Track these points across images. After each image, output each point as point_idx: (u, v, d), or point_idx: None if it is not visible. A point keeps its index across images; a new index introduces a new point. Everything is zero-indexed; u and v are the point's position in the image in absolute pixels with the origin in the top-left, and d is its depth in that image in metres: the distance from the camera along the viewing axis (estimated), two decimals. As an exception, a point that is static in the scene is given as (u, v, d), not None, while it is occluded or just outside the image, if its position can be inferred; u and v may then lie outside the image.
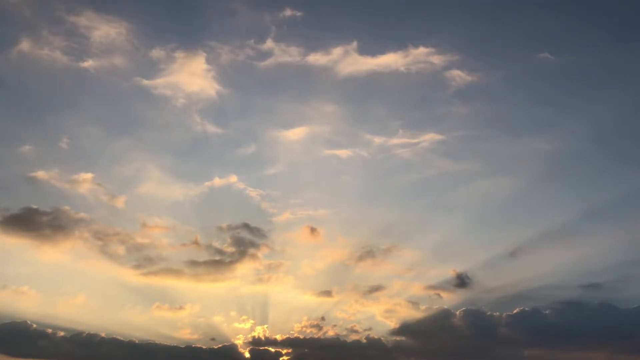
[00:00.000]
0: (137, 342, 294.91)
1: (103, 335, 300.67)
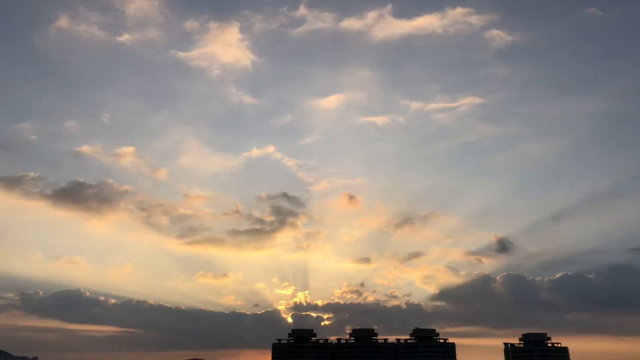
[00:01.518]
0: (183, 308, 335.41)
1: (151, 302, 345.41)
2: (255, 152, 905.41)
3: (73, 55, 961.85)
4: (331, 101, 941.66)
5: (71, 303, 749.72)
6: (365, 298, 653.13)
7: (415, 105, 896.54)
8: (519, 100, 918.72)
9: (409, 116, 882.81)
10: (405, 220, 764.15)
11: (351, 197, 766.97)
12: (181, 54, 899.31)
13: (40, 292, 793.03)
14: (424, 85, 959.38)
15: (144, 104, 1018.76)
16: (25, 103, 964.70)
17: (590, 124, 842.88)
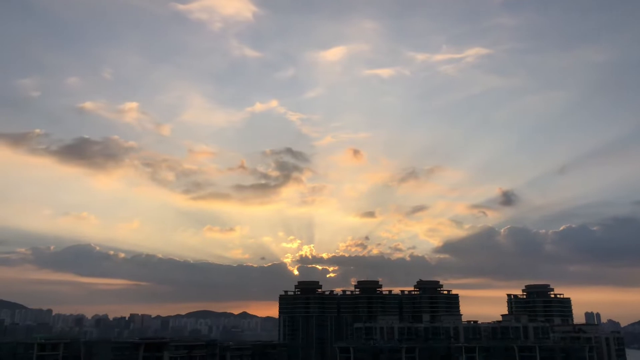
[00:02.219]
0: (191, 262, 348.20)
1: (160, 256, 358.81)
2: (259, 106, 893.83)
3: (73, 10, 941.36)
4: (335, 53, 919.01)
5: (82, 257, 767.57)
6: (370, 251, 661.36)
7: (420, 56, 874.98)
8: (526, 51, 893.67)
9: (415, 68, 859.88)
10: (410, 174, 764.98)
11: (356, 152, 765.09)
12: (181, 7, 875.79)
13: (52, 247, 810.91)
14: (429, 36, 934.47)
15: (146, 59, 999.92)
16: (27, 59, 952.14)
17: (598, 75, 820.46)
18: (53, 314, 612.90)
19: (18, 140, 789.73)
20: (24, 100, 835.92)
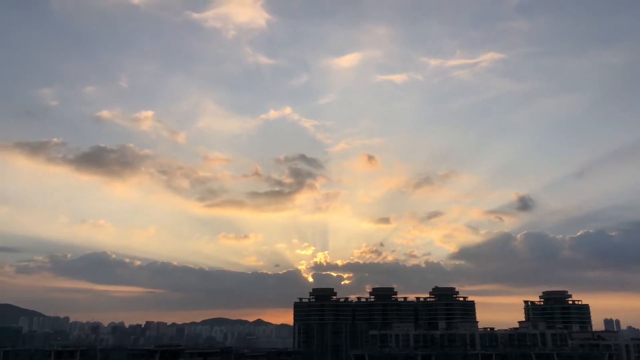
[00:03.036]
0: (207, 269, 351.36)
1: (175, 263, 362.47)
2: (273, 113, 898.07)
3: (90, 19, 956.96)
4: (348, 60, 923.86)
5: (98, 265, 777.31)
6: (385, 257, 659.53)
7: (434, 62, 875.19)
8: (541, 54, 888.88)
9: (428, 73, 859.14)
10: (424, 180, 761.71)
11: (370, 158, 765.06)
12: (196, 15, 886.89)
13: (69, 255, 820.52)
14: (442, 41, 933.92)
15: (161, 67, 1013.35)
16: (45, 68, 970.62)
17: (614, 77, 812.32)
18: (70, 321, 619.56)
19: (36, 149, 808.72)
20: (42, 109, 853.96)
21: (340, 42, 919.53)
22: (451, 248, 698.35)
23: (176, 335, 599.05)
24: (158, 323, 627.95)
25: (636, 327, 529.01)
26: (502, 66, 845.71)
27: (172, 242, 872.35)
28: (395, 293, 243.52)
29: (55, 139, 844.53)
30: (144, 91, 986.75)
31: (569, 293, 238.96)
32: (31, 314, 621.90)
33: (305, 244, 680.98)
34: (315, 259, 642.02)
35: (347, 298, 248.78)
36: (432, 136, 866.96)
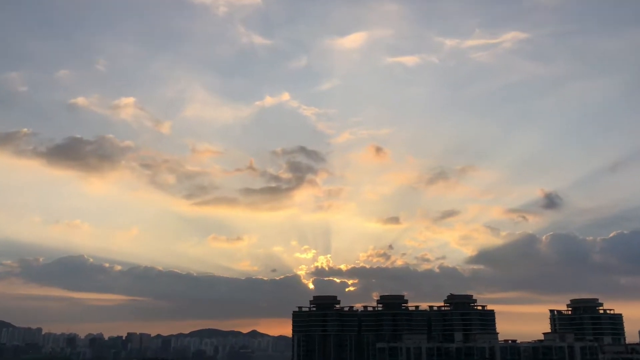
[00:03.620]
0: (195, 274, 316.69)
1: (160, 268, 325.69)
2: (269, 100, 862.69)
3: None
4: (353, 40, 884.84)
5: (74, 270, 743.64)
6: (394, 262, 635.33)
7: (450, 42, 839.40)
8: (570, 33, 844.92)
9: (443, 55, 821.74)
10: (439, 175, 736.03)
11: (377, 150, 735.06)
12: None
13: (41, 259, 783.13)
14: (460, 19, 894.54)
15: (143, 48, 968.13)
16: (13, 50, 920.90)
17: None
18: (43, 333, 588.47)
19: (3, 140, 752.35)
20: (9, 96, 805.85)
21: (344, 20, 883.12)
22: (468, 251, 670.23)
23: (161, 348, 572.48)
24: (141, 335, 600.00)
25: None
26: (527, 47, 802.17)
27: (157, 244, 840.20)
28: (406, 301, 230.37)
29: (24, 129, 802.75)
30: (124, 75, 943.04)
31: (600, 301, 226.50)
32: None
33: (305, 247, 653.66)
34: (316, 263, 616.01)
35: (352, 307, 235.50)
36: (447, 126, 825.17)
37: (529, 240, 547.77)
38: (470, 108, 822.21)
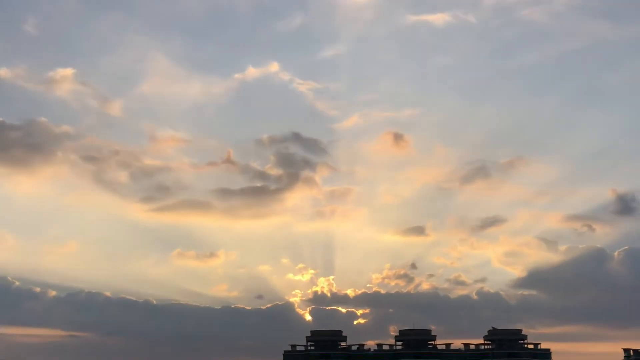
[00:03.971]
0: (155, 302, 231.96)
1: (108, 294, 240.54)
2: (252, 72, 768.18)
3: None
4: None
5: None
6: (418, 285, 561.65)
7: None
8: None
9: (483, 13, 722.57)
10: (478, 171, 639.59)
11: (396, 138, 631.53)
12: None
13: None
14: None
15: (86, 5, 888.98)
16: None
17: None
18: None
19: None
20: None
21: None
22: (516, 271, 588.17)
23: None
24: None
25: None
26: (594, 2, 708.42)
27: (104, 262, 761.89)
28: (434, 338, 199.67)
29: None
30: (61, 40, 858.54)
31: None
32: None
33: (301, 266, 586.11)
34: (315, 288, 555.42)
35: (363, 345, 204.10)
36: (489, 105, 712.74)
37: (597, 257, 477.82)
38: (520, 82, 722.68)
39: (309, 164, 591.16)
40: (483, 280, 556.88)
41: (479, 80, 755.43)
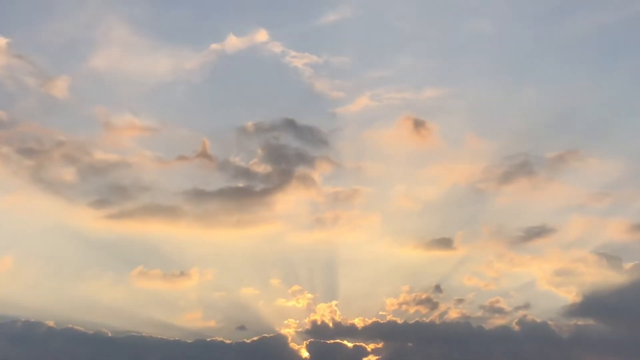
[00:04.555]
0: (110, 334, 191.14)
1: (51, 324, 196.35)
2: (233, 42, 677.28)
3: None
4: None
5: None
6: (444, 313, 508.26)
7: None
8: None
9: None
10: (520, 167, 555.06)
11: (417, 125, 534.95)
12: None
13: None
14: None
15: None
16: None
17: None
18: None
19: None
20: None
21: None
22: (569, 295, 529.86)
23: None
24: None
25: None
26: None
27: (46, 284, 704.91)
28: None
29: None
30: None
31: None
32: None
33: (295, 288, 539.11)
34: (313, 316, 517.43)
35: None
36: (534, 85, 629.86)
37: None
38: (574, 55, 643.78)
39: (305, 159, 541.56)
40: (526, 306, 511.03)
41: (522, 53, 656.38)
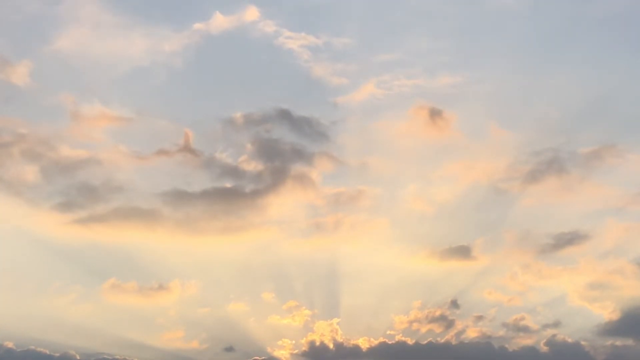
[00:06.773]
0: (78, 357, 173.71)
1: (10, 345, 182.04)
2: (220, 20, 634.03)
3: None
4: None
5: None
6: (461, 332, 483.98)
7: None
8: None
9: None
10: (550, 164, 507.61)
11: (433, 115, 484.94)
12: None
13: None
14: None
15: None
16: None
17: None
18: None
19: None
20: None
21: None
22: (605, 311, 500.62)
23: None
24: None
25: None
26: None
27: (5, 299, 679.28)
28: None
29: None
30: None
31: None
32: None
33: (291, 304, 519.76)
34: (312, 336, 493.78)
35: None
36: (566, 70, 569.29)
37: None
38: (611, 36, 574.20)
39: (303, 155, 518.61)
40: (556, 324, 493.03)
41: (552, 32, 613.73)
